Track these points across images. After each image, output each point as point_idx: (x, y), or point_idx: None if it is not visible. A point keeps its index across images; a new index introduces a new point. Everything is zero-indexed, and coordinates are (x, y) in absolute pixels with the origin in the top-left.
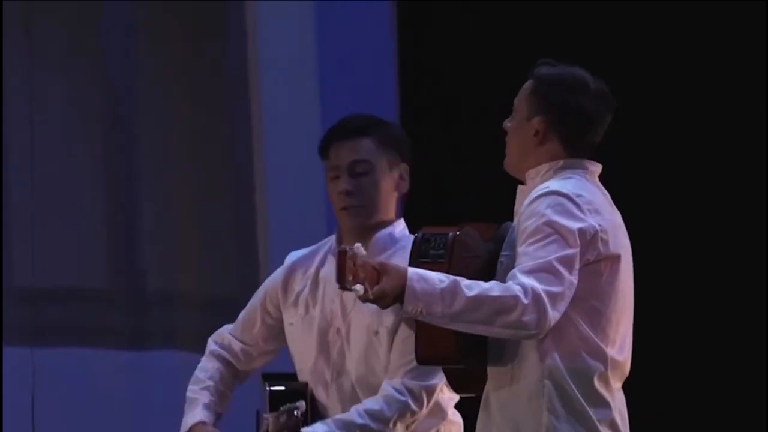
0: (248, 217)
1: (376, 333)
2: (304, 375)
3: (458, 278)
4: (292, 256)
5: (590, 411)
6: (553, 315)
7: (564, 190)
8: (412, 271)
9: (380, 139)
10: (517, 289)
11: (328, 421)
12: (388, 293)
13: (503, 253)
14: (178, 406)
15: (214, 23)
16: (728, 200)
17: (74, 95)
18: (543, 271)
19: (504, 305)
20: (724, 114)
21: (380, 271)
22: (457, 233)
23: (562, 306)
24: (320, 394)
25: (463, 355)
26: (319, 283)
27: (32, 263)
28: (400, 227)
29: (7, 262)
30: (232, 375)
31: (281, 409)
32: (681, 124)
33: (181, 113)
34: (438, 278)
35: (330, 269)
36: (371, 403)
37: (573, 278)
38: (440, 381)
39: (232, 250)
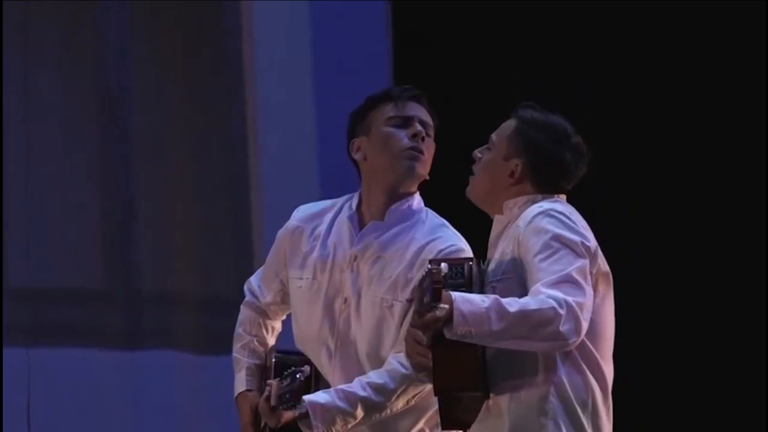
0: (245, 216)
1: (391, 306)
2: (304, 339)
3: (496, 296)
4: (300, 212)
5: (588, 427)
6: (584, 325)
7: (558, 209)
8: (457, 294)
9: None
10: (552, 302)
11: (331, 390)
12: (440, 318)
13: (494, 278)
14: (175, 406)
15: (209, 24)
16: (728, 202)
17: (71, 95)
18: (565, 282)
19: (543, 317)
20: (723, 116)
21: None
22: (470, 262)
23: (588, 316)
24: (324, 361)
25: (476, 383)
26: (328, 248)
27: (29, 263)
28: (417, 200)
29: (4, 262)
30: (267, 320)
31: (285, 373)
32: (679, 126)
33: (178, 113)
34: (479, 299)
35: (340, 235)
36: (375, 376)
37: (590, 289)
38: None
39: (230, 250)
